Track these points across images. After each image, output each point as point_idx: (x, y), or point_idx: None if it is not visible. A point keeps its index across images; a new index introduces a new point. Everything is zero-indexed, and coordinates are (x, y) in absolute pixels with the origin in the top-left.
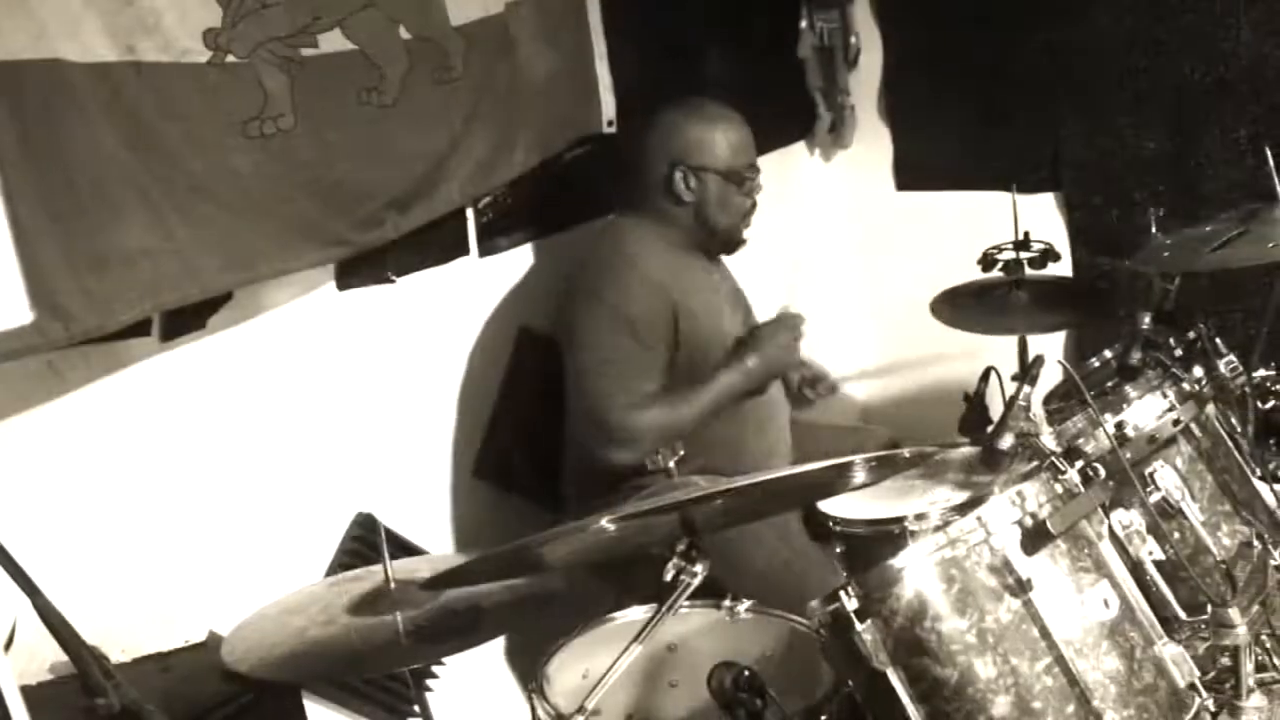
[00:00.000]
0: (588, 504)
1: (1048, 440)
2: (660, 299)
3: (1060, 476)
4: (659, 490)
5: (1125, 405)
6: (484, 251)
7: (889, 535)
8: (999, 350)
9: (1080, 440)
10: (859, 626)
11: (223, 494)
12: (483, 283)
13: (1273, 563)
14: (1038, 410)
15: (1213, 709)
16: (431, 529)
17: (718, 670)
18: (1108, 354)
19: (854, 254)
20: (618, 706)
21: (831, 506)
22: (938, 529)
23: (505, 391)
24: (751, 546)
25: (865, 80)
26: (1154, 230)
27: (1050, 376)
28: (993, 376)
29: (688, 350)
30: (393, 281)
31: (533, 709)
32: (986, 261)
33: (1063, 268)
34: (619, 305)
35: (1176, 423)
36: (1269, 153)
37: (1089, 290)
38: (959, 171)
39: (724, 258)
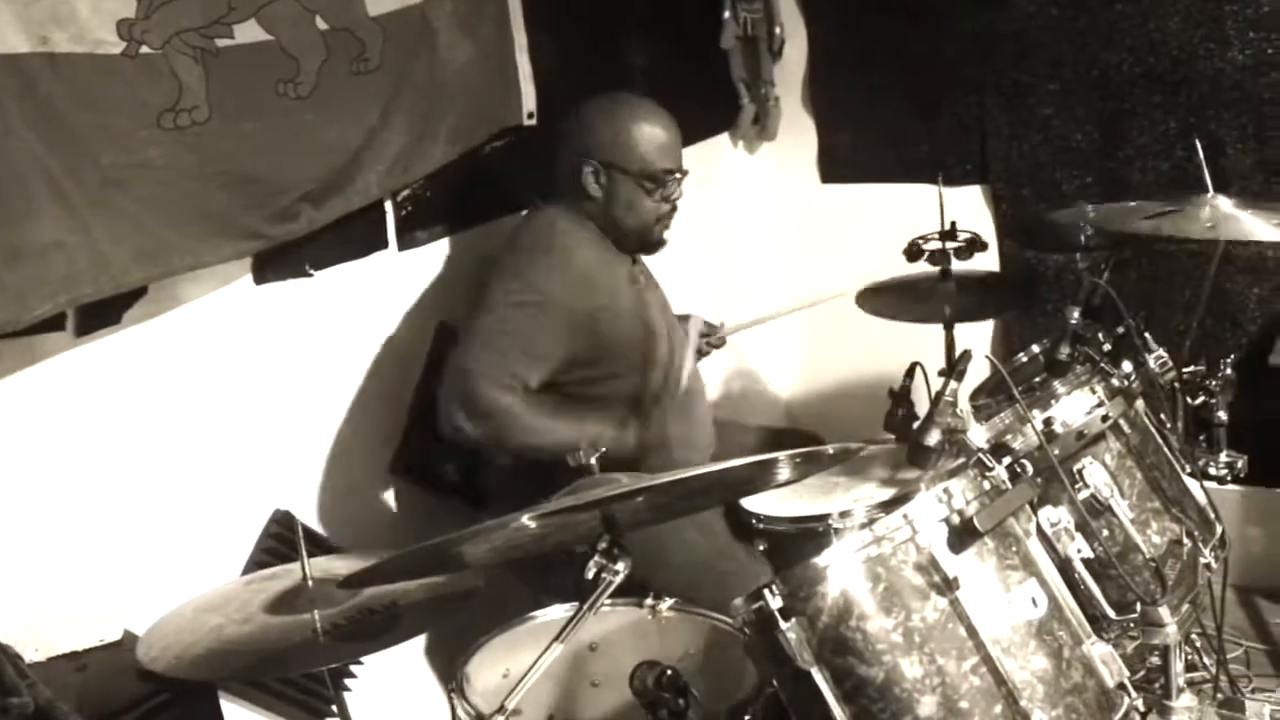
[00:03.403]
0: (507, 501)
1: (975, 436)
2: (583, 299)
3: (988, 473)
4: (580, 487)
5: (1053, 401)
6: (403, 245)
7: (813, 533)
8: (926, 345)
9: (1008, 436)
10: (783, 625)
11: (138, 491)
12: (401, 276)
13: (1203, 561)
14: (965, 406)
15: (1142, 709)
16: (349, 526)
17: (640, 669)
18: (1036, 349)
19: (778, 247)
20: (539, 706)
21: (755, 504)
22: (863, 527)
23: (424, 387)
24: (671, 543)
25: (790, 71)
26: (1081, 222)
27: (978, 371)
28: (918, 372)
29: (597, 348)
30: (310, 275)
31: (452, 709)
32: (912, 251)
33: (990, 260)
34: (539, 286)
35: (1105, 419)
36: (1199, 145)
37: (1017, 283)
38: (885, 164)
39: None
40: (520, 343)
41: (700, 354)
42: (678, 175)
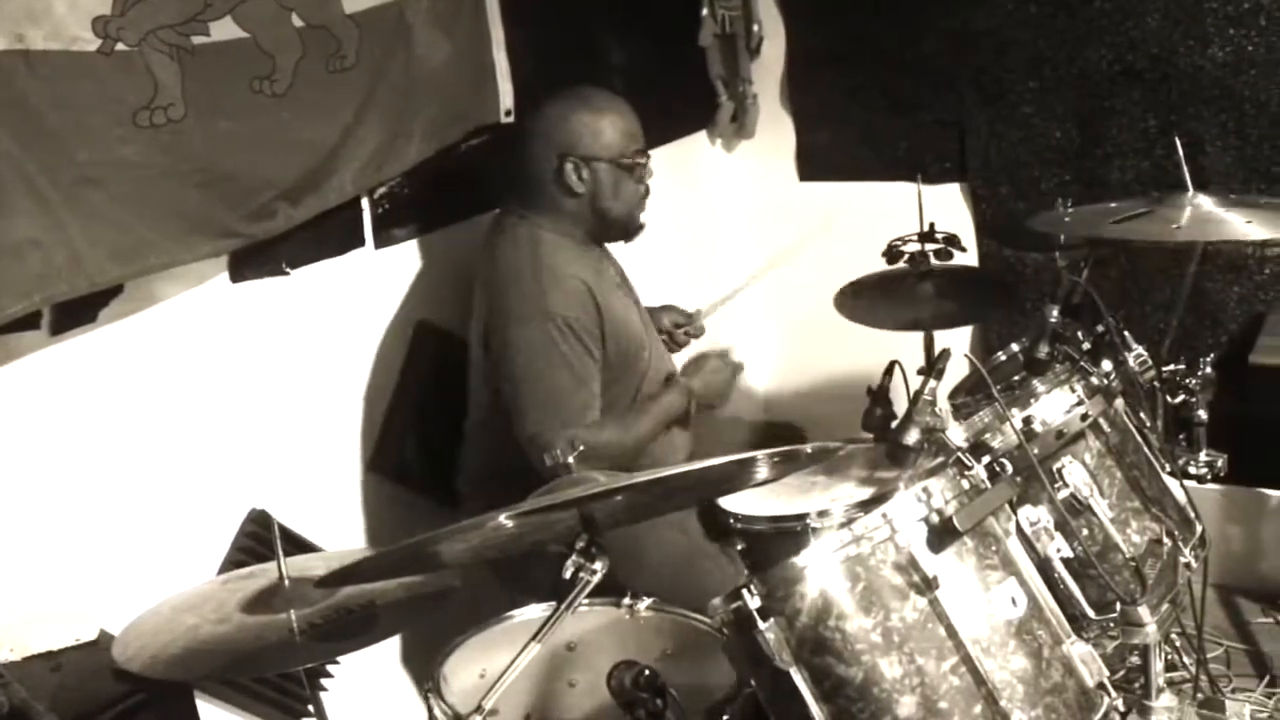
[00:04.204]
0: (484, 500)
1: (954, 435)
2: (588, 298)
3: (967, 472)
4: (558, 486)
5: (1033, 400)
6: (380, 243)
7: (791, 533)
8: (904, 343)
9: (987, 435)
10: (762, 625)
11: (114, 490)
12: (379, 275)
13: (1183, 560)
14: (944, 405)
15: (1122, 709)
16: (326, 525)
17: (618, 669)
18: (1015, 347)
19: (756, 245)
20: (516, 706)
21: (732, 503)
22: (842, 526)
23: (402, 386)
24: (647, 541)
25: (768, 69)
26: (1058, 233)
27: (957, 370)
28: (897, 370)
29: (612, 346)
30: (287, 273)
31: (429, 709)
32: (891, 253)
33: (969, 259)
34: (555, 312)
35: (1085, 417)
36: (1178, 143)
37: (996, 282)
38: (863, 162)
39: (612, 247)
40: (568, 375)
41: (679, 344)
42: (647, 155)
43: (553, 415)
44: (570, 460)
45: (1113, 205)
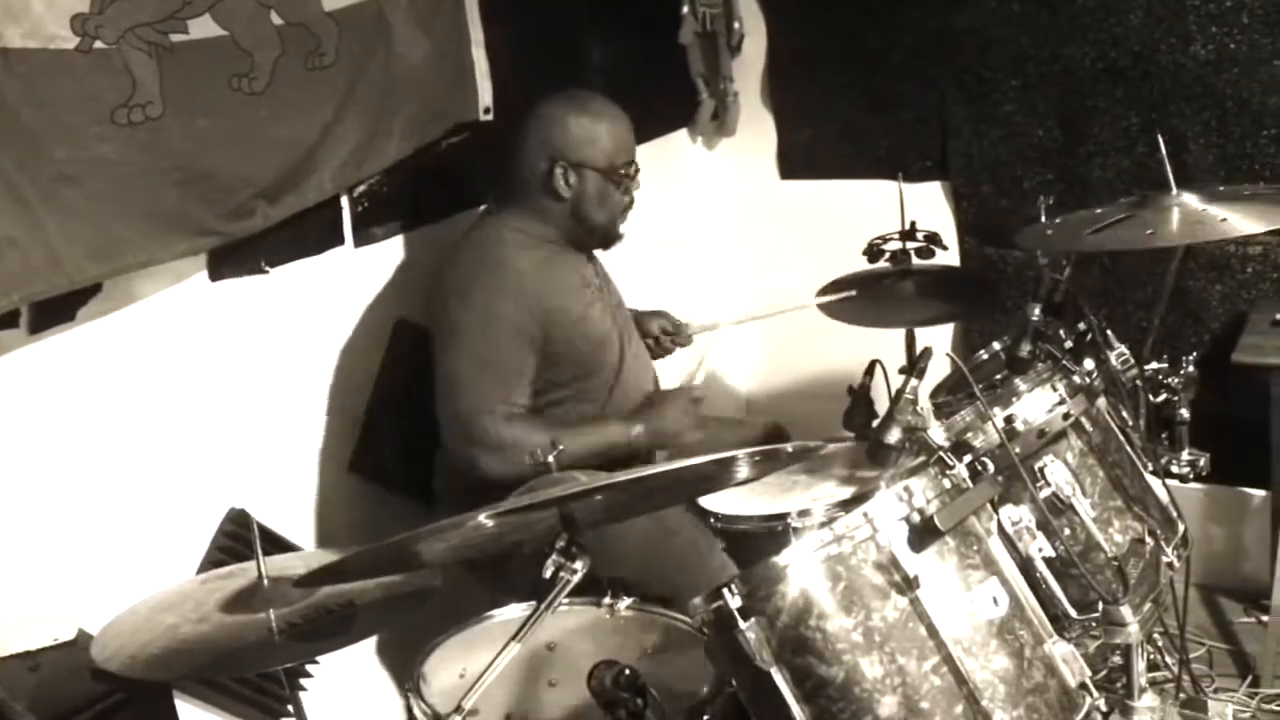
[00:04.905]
0: (462, 500)
1: (935, 434)
2: (530, 300)
3: (948, 471)
4: (538, 486)
5: (1015, 398)
6: (359, 241)
7: (772, 532)
8: (886, 342)
9: (969, 434)
10: (742, 625)
11: (93, 489)
12: (358, 273)
13: (1165, 559)
14: (925, 404)
15: (1104, 709)
16: (306, 525)
17: (598, 669)
18: (996, 346)
19: (738, 243)
20: (496, 706)
21: (713, 503)
22: (823, 525)
23: (381, 384)
24: (624, 533)
25: (749, 66)
26: (1043, 219)
27: (938, 369)
28: (878, 369)
29: (556, 351)
30: (266, 272)
31: (409, 709)
32: (872, 252)
33: (950, 258)
34: (489, 305)
35: (1067, 416)
36: (1160, 140)
37: (977, 280)
38: (844, 160)
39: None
40: (498, 367)
41: (665, 351)
42: (637, 168)
43: (479, 393)
44: (550, 459)
45: (1098, 211)
